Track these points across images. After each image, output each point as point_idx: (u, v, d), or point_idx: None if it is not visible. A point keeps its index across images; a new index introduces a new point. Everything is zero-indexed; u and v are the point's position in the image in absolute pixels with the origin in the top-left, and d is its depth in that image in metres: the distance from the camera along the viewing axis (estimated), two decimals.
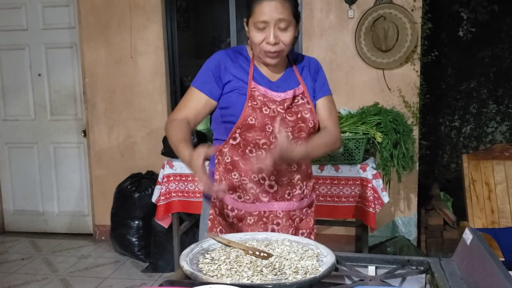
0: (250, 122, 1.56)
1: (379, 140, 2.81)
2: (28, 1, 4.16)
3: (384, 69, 3.58)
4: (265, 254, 1.30)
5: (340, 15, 3.62)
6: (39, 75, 4.25)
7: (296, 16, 1.57)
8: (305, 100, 1.62)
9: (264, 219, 1.63)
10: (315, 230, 1.76)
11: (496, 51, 4.37)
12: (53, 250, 4.05)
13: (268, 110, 1.56)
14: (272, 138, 1.57)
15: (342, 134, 2.85)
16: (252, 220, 1.63)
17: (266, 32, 1.52)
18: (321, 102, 1.68)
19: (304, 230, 1.71)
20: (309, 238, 1.70)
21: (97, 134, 4.13)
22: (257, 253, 1.31)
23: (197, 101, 1.61)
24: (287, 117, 1.57)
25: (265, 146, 1.57)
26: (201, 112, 1.62)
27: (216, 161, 1.66)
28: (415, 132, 3.51)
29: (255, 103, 1.56)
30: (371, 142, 2.88)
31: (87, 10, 3.97)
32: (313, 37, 3.68)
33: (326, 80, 1.73)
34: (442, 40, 4.33)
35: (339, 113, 3.00)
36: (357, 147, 2.79)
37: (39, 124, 4.33)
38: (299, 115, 1.59)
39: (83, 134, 4.20)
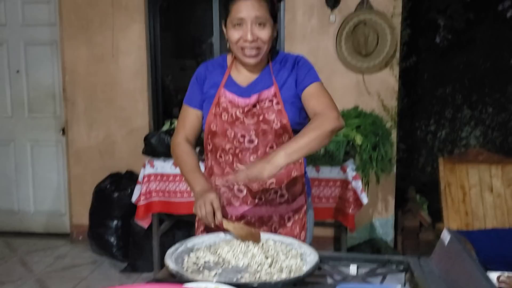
0: (213, 129, 1.60)
1: (359, 142, 2.87)
2: None
3: (364, 73, 3.65)
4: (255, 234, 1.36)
5: (322, 19, 3.67)
6: (17, 71, 4.18)
7: (274, 15, 1.57)
8: (273, 102, 1.58)
9: None
10: (302, 238, 1.66)
11: (471, 58, 4.48)
12: (29, 250, 3.98)
13: (227, 115, 1.58)
14: (235, 143, 1.59)
15: None
16: None
17: (244, 29, 1.53)
18: (307, 91, 1.58)
19: None
20: None
21: (76, 133, 4.08)
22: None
23: (191, 118, 1.68)
24: (246, 120, 1.57)
25: (231, 151, 1.60)
26: (198, 127, 1.69)
27: (204, 166, 1.72)
28: (393, 135, 3.58)
29: (218, 109, 1.59)
30: (351, 144, 2.94)
31: (69, 8, 3.93)
32: (295, 41, 3.72)
33: (311, 69, 1.62)
34: (419, 46, 4.42)
35: None
36: (337, 149, 2.84)
37: (17, 121, 4.25)
38: (260, 118, 1.57)
39: (61, 133, 4.15)
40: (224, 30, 1.61)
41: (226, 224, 1.40)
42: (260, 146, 1.58)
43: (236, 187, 1.61)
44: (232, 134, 1.58)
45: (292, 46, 3.71)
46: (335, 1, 3.58)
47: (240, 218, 1.63)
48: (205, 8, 4.23)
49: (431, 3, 4.06)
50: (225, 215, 1.57)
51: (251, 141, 1.58)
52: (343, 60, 3.63)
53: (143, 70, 3.95)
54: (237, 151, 1.59)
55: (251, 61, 1.58)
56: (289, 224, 1.66)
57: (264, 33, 1.54)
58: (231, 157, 1.60)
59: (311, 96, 1.57)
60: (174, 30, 5.26)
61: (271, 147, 1.58)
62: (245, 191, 1.61)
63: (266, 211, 1.63)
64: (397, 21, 3.56)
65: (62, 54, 4.01)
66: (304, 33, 3.71)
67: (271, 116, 1.57)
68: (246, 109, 1.57)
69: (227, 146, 1.60)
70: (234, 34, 1.55)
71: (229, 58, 1.69)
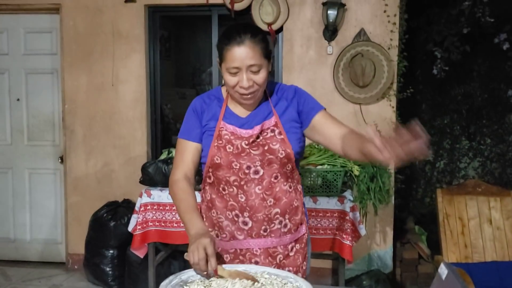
0: (217, 162, 1.59)
1: (356, 173, 2.87)
2: (10, 26, 4.15)
3: (361, 104, 3.67)
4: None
5: (319, 51, 3.72)
6: (18, 99, 4.21)
7: (268, 56, 1.57)
8: (276, 132, 1.60)
9: (241, 257, 1.61)
10: (304, 268, 1.68)
11: (468, 89, 4.53)
12: (23, 279, 3.91)
13: (232, 147, 1.58)
14: (240, 174, 1.58)
15: (320, 166, 2.90)
16: (229, 258, 1.62)
17: (239, 76, 1.53)
18: (318, 120, 1.63)
19: (289, 268, 1.63)
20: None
21: (74, 161, 4.08)
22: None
23: (189, 152, 1.64)
24: (252, 151, 1.58)
25: (235, 183, 1.59)
26: (196, 160, 1.65)
27: (201, 198, 1.70)
28: (391, 166, 3.57)
29: (220, 142, 1.59)
30: (348, 174, 2.93)
31: (70, 37, 3.99)
32: (293, 71, 3.77)
33: (312, 98, 1.68)
34: (417, 77, 4.47)
35: (318, 145, 3.06)
36: (335, 179, 2.84)
37: (15, 149, 4.26)
38: (266, 147, 1.58)
39: (60, 161, 4.15)
40: (219, 68, 1.61)
41: (221, 271, 1.37)
42: (266, 177, 1.58)
43: (240, 219, 1.59)
44: (238, 166, 1.57)
45: (290, 77, 3.75)
46: (332, 33, 3.64)
47: (245, 251, 1.61)
48: (204, 38, 4.30)
49: (428, 36, 4.12)
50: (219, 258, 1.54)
51: (256, 172, 1.58)
52: (340, 91, 3.66)
53: (143, 99, 3.98)
54: (242, 182, 1.58)
55: (248, 102, 1.60)
56: (291, 254, 1.65)
57: (259, 77, 1.54)
58: (235, 189, 1.59)
59: (327, 122, 1.63)
60: (174, 59, 5.34)
61: (276, 177, 1.59)
62: (250, 223, 1.59)
63: (271, 242, 1.62)
64: (394, 53, 3.61)
65: (63, 83, 4.05)
66: (302, 64, 3.75)
67: (276, 146, 1.58)
68: (250, 140, 1.58)
69: (232, 178, 1.59)
70: (230, 80, 1.55)
71: (223, 90, 1.70)
